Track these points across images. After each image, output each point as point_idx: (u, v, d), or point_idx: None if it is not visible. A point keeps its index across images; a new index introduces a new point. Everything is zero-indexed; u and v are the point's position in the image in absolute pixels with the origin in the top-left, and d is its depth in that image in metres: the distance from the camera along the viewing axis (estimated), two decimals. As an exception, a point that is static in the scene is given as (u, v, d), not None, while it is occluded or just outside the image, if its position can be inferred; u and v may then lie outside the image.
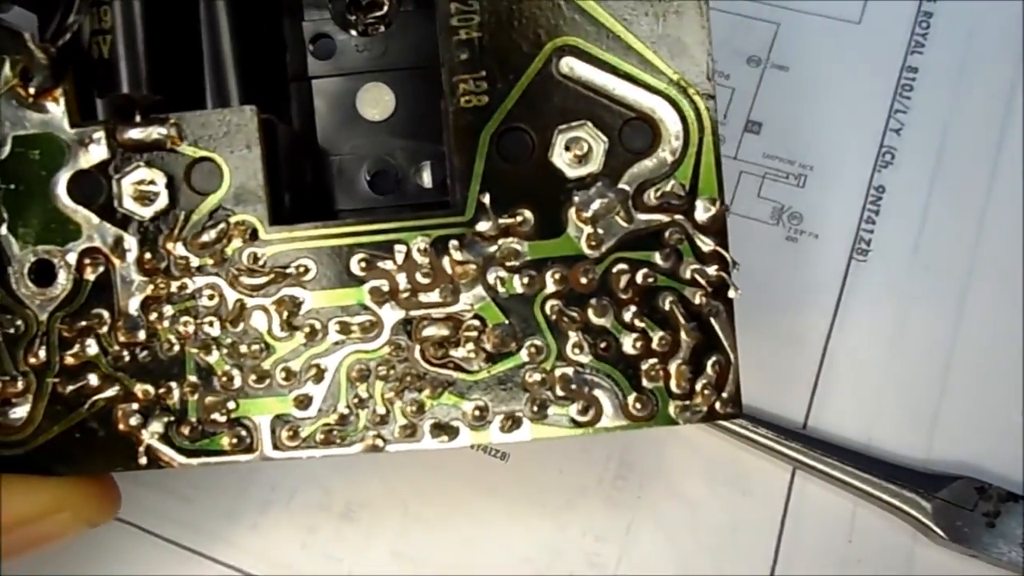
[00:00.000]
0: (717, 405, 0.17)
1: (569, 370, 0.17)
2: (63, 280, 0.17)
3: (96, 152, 0.17)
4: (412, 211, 0.18)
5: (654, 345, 0.17)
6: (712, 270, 0.17)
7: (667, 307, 0.17)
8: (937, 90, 0.25)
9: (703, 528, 0.21)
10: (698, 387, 0.17)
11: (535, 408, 0.17)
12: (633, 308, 0.17)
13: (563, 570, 0.21)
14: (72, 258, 0.17)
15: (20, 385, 0.17)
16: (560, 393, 0.17)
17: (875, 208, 0.24)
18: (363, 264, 0.17)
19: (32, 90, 0.16)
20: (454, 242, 0.17)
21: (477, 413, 0.17)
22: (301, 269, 0.17)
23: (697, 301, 0.17)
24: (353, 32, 0.20)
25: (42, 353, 0.17)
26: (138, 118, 0.17)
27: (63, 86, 0.17)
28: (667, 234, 0.17)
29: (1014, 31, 0.25)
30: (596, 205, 0.17)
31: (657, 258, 0.17)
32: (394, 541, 0.22)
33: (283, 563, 0.22)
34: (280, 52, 0.19)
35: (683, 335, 0.17)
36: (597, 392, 0.17)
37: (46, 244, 0.17)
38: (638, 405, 0.17)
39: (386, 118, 0.20)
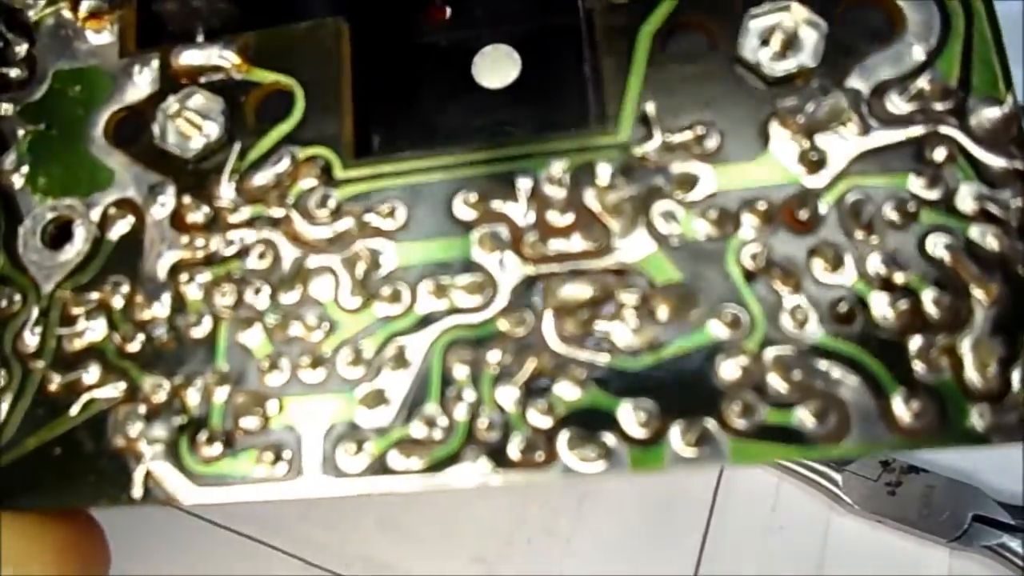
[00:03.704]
0: (1054, 409, 0.10)
1: (788, 351, 0.10)
2: (80, 241, 0.13)
3: (145, 84, 0.13)
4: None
5: (927, 309, 0.10)
6: (1011, 196, 0.11)
7: (942, 255, 0.11)
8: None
9: (646, 499, 0.23)
10: (1016, 380, 0.10)
11: (735, 414, 0.10)
12: (881, 255, 0.11)
13: (524, 535, 0.23)
14: (96, 213, 0.13)
15: (2, 378, 0.12)
16: (777, 389, 0.10)
17: None
18: (471, 202, 0.12)
19: (82, 14, 0.13)
20: (603, 167, 0.11)
21: (643, 420, 0.11)
22: (385, 212, 0.12)
23: (992, 245, 0.11)
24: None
25: (36, 335, 0.12)
26: (200, 38, 0.13)
27: (118, 10, 0.14)
28: (928, 150, 0.11)
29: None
30: (813, 110, 0.11)
31: (915, 183, 0.11)
32: (380, 509, 0.23)
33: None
34: None
35: (977, 295, 0.10)
36: (837, 389, 0.10)
37: (69, 196, 0.13)
38: (915, 406, 0.10)
39: (506, 85, 0.16)
